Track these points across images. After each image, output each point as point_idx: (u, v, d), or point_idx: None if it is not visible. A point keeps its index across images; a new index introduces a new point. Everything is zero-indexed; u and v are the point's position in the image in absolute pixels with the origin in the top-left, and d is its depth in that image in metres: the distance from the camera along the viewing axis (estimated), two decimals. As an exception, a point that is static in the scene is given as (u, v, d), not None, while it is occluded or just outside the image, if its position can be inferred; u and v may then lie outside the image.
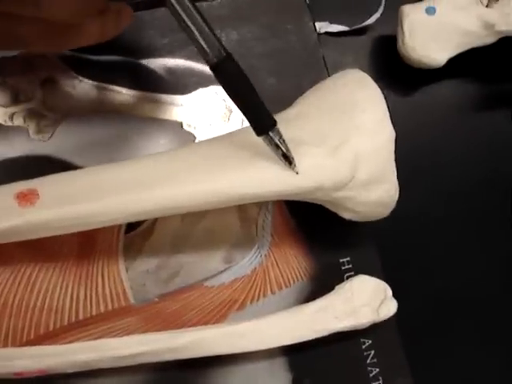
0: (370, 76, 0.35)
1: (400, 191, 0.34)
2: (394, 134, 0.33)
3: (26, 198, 0.30)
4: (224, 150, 0.32)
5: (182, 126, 0.39)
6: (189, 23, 0.27)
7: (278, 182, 0.31)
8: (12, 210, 0.30)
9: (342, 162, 0.32)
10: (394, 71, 0.44)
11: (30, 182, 0.31)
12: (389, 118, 0.33)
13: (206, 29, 0.27)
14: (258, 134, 0.30)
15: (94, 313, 0.36)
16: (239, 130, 0.35)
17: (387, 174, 0.33)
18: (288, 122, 0.32)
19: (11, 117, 0.37)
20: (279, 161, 0.30)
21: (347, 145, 0.32)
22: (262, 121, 0.30)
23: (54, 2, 0.28)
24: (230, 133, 0.34)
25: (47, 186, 0.31)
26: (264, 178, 0.31)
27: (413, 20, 0.41)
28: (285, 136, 0.30)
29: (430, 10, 0.41)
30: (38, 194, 0.31)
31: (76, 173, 0.32)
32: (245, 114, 0.29)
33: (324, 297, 0.35)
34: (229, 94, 0.29)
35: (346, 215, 0.35)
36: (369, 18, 0.44)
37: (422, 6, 0.41)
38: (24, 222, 0.30)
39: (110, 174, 0.32)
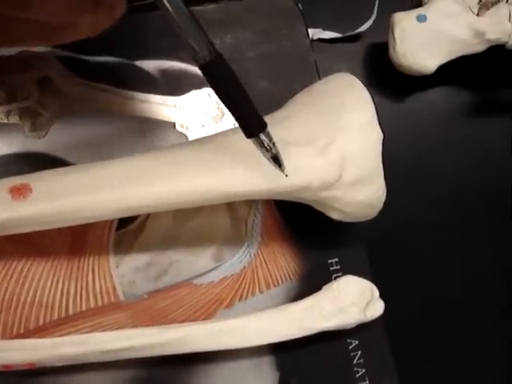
0: (362, 82, 0.35)
1: (390, 194, 0.35)
2: (382, 136, 0.34)
3: (19, 192, 0.31)
4: (214, 148, 0.33)
5: (174, 127, 0.39)
6: (179, 22, 0.27)
7: (267, 181, 0.32)
8: (5, 203, 0.31)
9: (329, 162, 0.32)
10: (386, 78, 0.44)
11: (24, 176, 0.32)
12: (376, 119, 0.34)
13: (197, 29, 0.27)
14: (248, 136, 0.30)
15: (83, 308, 0.36)
16: (231, 129, 0.35)
17: (374, 175, 0.34)
18: (277, 123, 0.33)
19: (7, 114, 0.38)
20: (263, 159, 0.31)
21: (334, 145, 0.32)
22: (251, 123, 0.30)
23: (45, 4, 0.28)
24: (222, 132, 0.35)
25: (40, 180, 0.32)
26: (253, 177, 0.32)
27: (404, 27, 0.41)
28: (275, 137, 0.30)
29: (421, 18, 0.41)
30: (30, 189, 0.31)
31: (69, 169, 0.33)
32: (234, 115, 0.29)
33: (311, 296, 0.36)
34: (218, 95, 0.29)
35: (334, 215, 0.35)
36: (361, 25, 0.45)
37: (413, 14, 0.42)
38: (16, 215, 0.31)
39: (102, 170, 0.32)
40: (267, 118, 0.30)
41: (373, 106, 0.34)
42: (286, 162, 0.31)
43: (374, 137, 0.33)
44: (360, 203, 0.34)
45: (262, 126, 0.29)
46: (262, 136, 0.29)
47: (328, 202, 0.34)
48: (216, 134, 0.35)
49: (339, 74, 0.36)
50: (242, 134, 0.30)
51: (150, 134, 0.39)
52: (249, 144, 0.30)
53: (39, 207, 0.31)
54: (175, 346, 0.34)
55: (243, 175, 0.32)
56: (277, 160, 0.30)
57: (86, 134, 0.38)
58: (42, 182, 0.32)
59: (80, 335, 0.34)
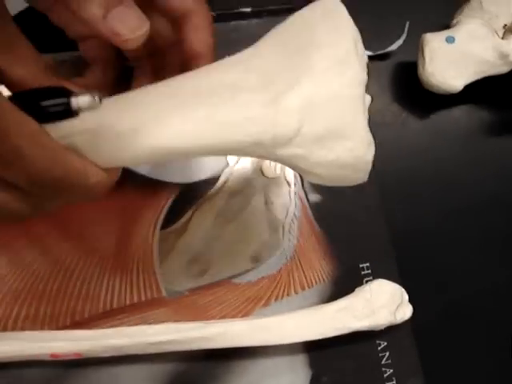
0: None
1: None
2: (362, 77, 0.27)
3: None
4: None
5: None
6: None
7: (202, 136, 0.26)
8: None
9: (283, 112, 0.26)
10: (414, 95, 0.47)
11: None
12: (354, 56, 0.27)
13: None
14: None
15: (127, 302, 0.38)
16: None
17: (350, 128, 0.26)
18: (238, 64, 0.28)
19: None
20: (206, 108, 0.26)
21: (294, 91, 0.26)
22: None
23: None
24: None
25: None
26: (186, 131, 0.26)
27: (433, 47, 0.44)
28: (229, 80, 0.27)
29: (450, 39, 0.44)
30: None
31: None
32: None
33: (345, 297, 0.38)
34: None
35: (309, 178, 0.30)
36: (391, 44, 0.47)
37: (442, 35, 0.44)
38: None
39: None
40: (232, 58, 0.28)
41: (350, 39, 0.27)
42: (231, 112, 0.26)
43: (347, 79, 0.26)
44: (332, 164, 0.27)
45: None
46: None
47: (292, 162, 0.28)
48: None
49: (321, 1, 0.29)
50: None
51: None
52: (192, 92, 0.27)
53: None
54: (216, 341, 0.36)
55: (176, 129, 0.26)
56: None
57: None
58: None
59: (126, 327, 0.36)
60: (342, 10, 0.28)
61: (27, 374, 0.36)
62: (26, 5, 0.34)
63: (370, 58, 0.47)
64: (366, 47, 0.45)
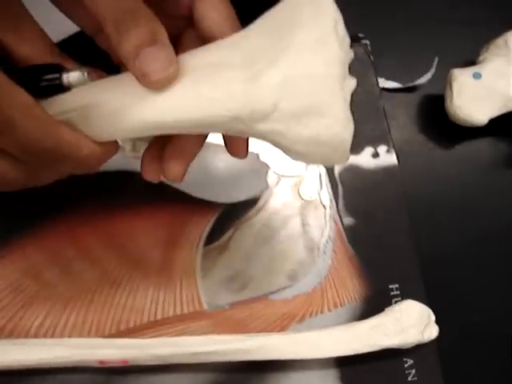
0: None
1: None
2: (341, 57, 0.28)
3: None
4: None
5: (258, 157, 0.44)
6: None
7: (185, 110, 0.28)
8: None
9: (261, 88, 0.27)
10: (440, 126, 0.49)
11: None
12: (333, 36, 0.27)
13: None
14: None
15: (170, 314, 0.40)
16: None
17: (326, 106, 0.27)
18: (232, 44, 0.29)
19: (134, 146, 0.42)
20: (191, 85, 0.28)
21: (274, 68, 0.27)
22: None
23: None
24: None
25: None
26: (171, 105, 0.28)
27: (461, 82, 0.46)
28: (216, 59, 0.29)
29: (477, 75, 0.47)
30: None
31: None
32: None
33: (376, 316, 0.40)
34: None
35: (289, 155, 0.30)
36: (419, 77, 0.50)
37: (469, 71, 0.47)
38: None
39: None
40: (226, 40, 0.30)
41: (329, 19, 0.28)
42: (212, 87, 0.28)
43: (325, 58, 0.27)
44: (309, 140, 0.28)
45: None
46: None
47: (272, 138, 0.29)
48: None
49: None
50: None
51: (235, 162, 0.43)
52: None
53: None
54: (256, 353, 0.38)
55: (161, 104, 0.28)
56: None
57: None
58: None
59: (172, 337, 0.38)
60: None
61: (71, 380, 0.38)
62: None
63: (399, 90, 0.50)
64: (396, 79, 0.48)
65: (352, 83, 0.29)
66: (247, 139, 0.34)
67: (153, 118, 0.28)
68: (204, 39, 0.32)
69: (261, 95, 0.27)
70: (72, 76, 0.29)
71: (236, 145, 0.34)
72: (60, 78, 0.29)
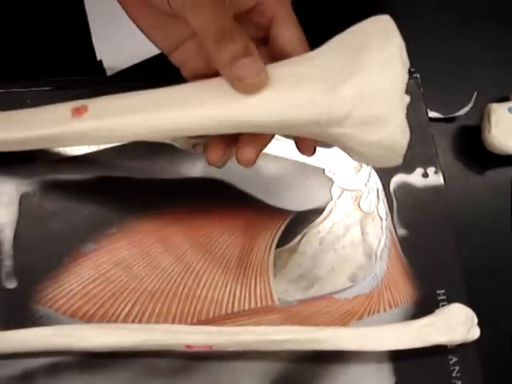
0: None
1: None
2: (404, 78, 0.33)
3: (78, 112, 0.37)
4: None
5: (324, 172, 0.49)
6: None
7: (274, 113, 0.33)
8: (65, 119, 0.37)
9: (339, 98, 0.32)
10: (475, 153, 0.55)
11: (86, 100, 0.37)
12: (399, 60, 0.33)
13: None
14: None
15: (245, 307, 0.44)
16: None
17: (390, 116, 0.33)
18: (307, 60, 0.35)
19: (194, 146, 0.47)
20: (278, 92, 0.33)
21: (349, 82, 0.32)
22: None
23: None
24: None
25: (96, 103, 0.37)
26: (262, 108, 0.33)
27: (498, 115, 0.52)
28: (297, 71, 0.34)
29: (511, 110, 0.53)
30: (87, 109, 0.37)
31: (119, 95, 0.37)
32: None
33: (428, 316, 0.45)
34: None
35: (352, 156, 0.36)
36: (456, 109, 0.56)
37: (505, 106, 0.53)
38: (70, 129, 0.36)
39: (143, 97, 0.37)
40: (304, 55, 0.35)
41: (396, 47, 0.33)
42: (299, 95, 0.33)
43: (392, 77, 0.33)
44: (374, 144, 0.33)
45: None
46: None
47: (341, 139, 0.34)
48: None
49: (378, 17, 0.35)
50: None
51: (303, 176, 0.48)
52: None
53: (88, 123, 0.36)
54: (325, 343, 0.42)
55: (254, 106, 0.33)
56: None
57: (257, 168, 0.48)
58: (97, 104, 0.37)
59: (251, 326, 0.43)
60: (392, 24, 0.34)
61: (155, 363, 0.42)
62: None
63: (439, 119, 0.56)
64: (437, 110, 0.54)
65: (407, 99, 0.34)
66: (316, 140, 0.38)
67: (244, 117, 0.34)
68: (276, 57, 0.37)
69: (338, 104, 0.32)
70: None
71: (307, 145, 0.39)
72: None
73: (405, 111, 0.33)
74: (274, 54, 0.38)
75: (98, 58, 0.53)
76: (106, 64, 0.52)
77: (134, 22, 0.39)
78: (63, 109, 0.37)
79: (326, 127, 0.33)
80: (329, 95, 0.33)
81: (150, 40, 0.40)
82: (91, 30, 0.54)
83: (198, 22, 0.34)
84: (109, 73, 0.52)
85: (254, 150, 0.38)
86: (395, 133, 0.33)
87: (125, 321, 0.43)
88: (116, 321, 0.43)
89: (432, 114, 0.54)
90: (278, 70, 0.35)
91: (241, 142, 0.38)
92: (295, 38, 0.38)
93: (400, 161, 0.35)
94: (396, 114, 0.33)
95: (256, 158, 0.38)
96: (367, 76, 0.32)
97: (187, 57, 0.40)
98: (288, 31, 0.37)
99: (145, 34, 0.39)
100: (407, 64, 0.34)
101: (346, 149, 0.35)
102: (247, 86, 0.34)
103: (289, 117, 0.33)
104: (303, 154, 0.40)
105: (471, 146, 0.55)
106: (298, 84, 0.33)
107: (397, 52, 0.33)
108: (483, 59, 0.58)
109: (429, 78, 0.53)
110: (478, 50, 0.59)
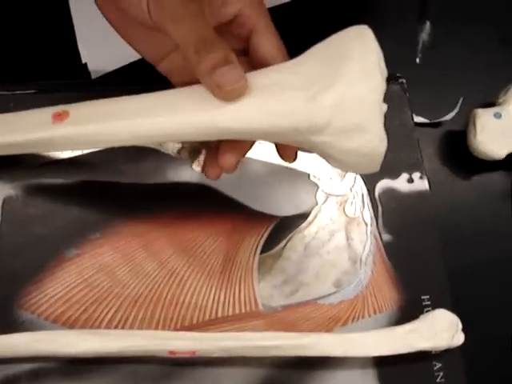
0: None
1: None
2: (382, 86, 0.34)
3: (59, 117, 0.37)
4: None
5: (308, 177, 0.49)
6: None
7: (255, 120, 0.34)
8: (46, 124, 0.37)
9: (319, 107, 0.33)
10: (461, 159, 0.55)
11: (66, 105, 0.37)
12: (377, 69, 0.33)
13: None
14: None
15: (229, 313, 0.44)
16: None
17: (369, 125, 0.33)
18: (288, 68, 0.36)
19: (179, 151, 0.47)
20: (259, 99, 0.34)
21: (329, 91, 0.33)
22: None
23: None
24: None
25: (77, 108, 0.37)
26: (242, 115, 0.34)
27: (483, 121, 0.53)
28: (278, 80, 0.34)
29: (497, 115, 0.53)
30: (68, 115, 0.37)
31: (100, 101, 0.37)
32: None
33: (412, 321, 0.45)
34: None
35: (332, 163, 0.37)
36: (443, 114, 0.56)
37: (491, 111, 0.53)
38: (51, 135, 0.37)
39: (125, 103, 0.37)
40: (284, 64, 0.36)
41: (375, 56, 0.34)
42: (279, 103, 0.33)
43: (370, 86, 0.33)
44: (353, 152, 0.34)
45: None
46: None
47: (321, 147, 0.35)
48: None
49: (355, 26, 0.36)
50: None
51: (289, 181, 0.48)
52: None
53: (69, 129, 0.36)
54: (310, 349, 0.42)
55: (234, 113, 0.34)
56: None
57: (243, 173, 0.47)
58: (78, 110, 0.37)
59: (235, 332, 0.42)
60: (370, 34, 0.35)
61: (138, 369, 0.42)
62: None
63: (424, 124, 0.56)
64: (423, 115, 0.54)
65: (385, 107, 0.35)
66: (296, 147, 0.39)
67: (224, 124, 0.34)
68: (257, 66, 0.38)
69: (318, 113, 0.33)
70: None
71: (288, 151, 0.40)
72: None
73: (382, 119, 0.34)
74: (255, 63, 0.38)
75: (83, 61, 0.53)
76: (90, 67, 0.52)
77: (120, 35, 0.39)
78: (44, 114, 0.37)
79: (307, 135, 0.34)
80: (309, 104, 0.33)
81: (137, 52, 0.40)
82: (76, 33, 0.53)
83: (179, 34, 0.34)
84: (94, 76, 0.52)
85: (234, 156, 0.38)
86: (373, 140, 0.34)
87: (108, 326, 0.43)
88: (99, 326, 0.43)
89: (418, 119, 0.54)
90: (258, 77, 0.35)
91: (222, 148, 0.38)
92: (275, 48, 0.38)
93: (378, 168, 0.36)
94: (374, 122, 0.33)
95: (237, 163, 0.39)
96: (347, 85, 0.33)
97: (173, 67, 0.40)
98: (267, 41, 0.38)
99: (131, 46, 0.40)
100: (385, 73, 0.35)
101: (326, 156, 0.36)
102: (227, 93, 0.34)
103: (269, 124, 0.34)
104: (284, 160, 0.40)
105: (457, 151, 0.55)
106: (279, 92, 0.34)
107: (375, 61, 0.34)
108: (469, 65, 0.59)
109: (414, 83, 0.53)
110: (464, 56, 0.59)
